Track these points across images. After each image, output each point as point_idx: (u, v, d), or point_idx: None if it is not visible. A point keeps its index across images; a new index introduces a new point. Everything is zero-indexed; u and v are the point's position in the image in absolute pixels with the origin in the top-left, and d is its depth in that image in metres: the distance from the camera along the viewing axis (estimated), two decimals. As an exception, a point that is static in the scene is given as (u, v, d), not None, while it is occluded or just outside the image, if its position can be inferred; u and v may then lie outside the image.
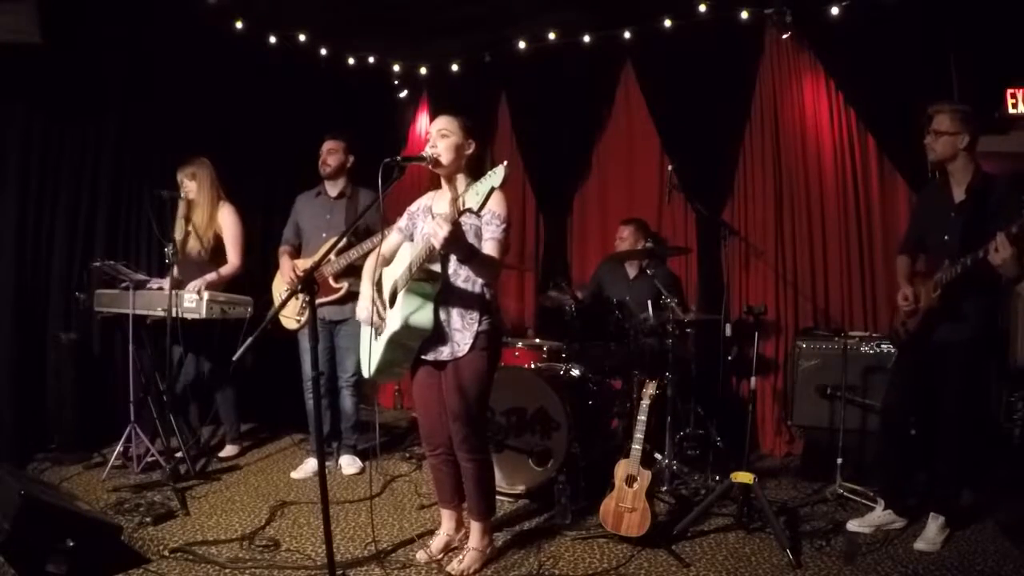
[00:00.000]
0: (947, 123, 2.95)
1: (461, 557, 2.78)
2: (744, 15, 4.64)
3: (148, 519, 3.16)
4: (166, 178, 4.18)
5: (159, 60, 4.60)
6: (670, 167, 4.57)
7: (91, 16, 4.25)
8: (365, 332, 2.82)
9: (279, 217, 4.47)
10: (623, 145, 5.32)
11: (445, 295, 2.67)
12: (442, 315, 2.67)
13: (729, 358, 4.43)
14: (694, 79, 4.86)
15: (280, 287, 4.07)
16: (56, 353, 4.16)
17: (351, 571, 2.76)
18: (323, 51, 5.42)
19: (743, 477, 3.13)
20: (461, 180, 2.73)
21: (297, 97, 5.37)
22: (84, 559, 2.57)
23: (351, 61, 5.65)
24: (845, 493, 3.52)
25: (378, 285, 2.77)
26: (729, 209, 4.90)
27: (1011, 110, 4.10)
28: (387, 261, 2.84)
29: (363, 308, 2.76)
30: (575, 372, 3.95)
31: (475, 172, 2.67)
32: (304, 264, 3.92)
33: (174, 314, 3.67)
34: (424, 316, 2.62)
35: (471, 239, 2.56)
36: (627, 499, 3.01)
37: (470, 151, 2.74)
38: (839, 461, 3.59)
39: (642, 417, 3.15)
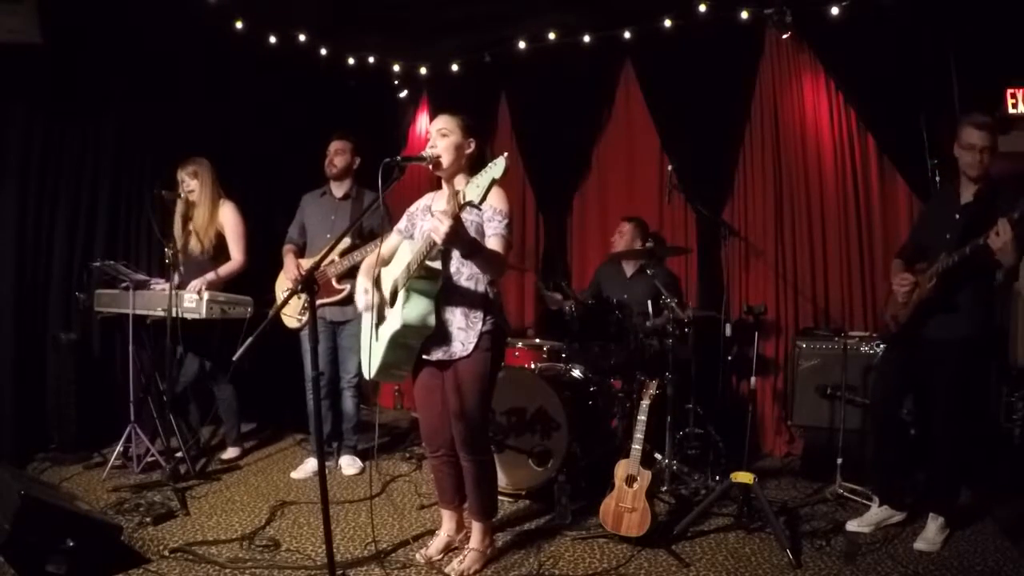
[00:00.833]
0: (993, 140, 2.93)
1: (462, 557, 2.78)
2: (744, 15, 4.64)
3: (148, 519, 3.16)
4: (166, 178, 4.18)
5: (159, 60, 4.60)
6: (670, 167, 4.57)
7: (91, 16, 4.25)
8: (366, 333, 2.81)
9: (279, 217, 4.48)
10: (623, 145, 5.32)
11: (448, 294, 2.65)
12: (445, 314, 2.65)
13: (729, 358, 4.43)
14: (694, 79, 4.86)
15: (283, 286, 4.07)
16: (56, 353, 4.16)
17: (351, 571, 2.76)
18: (323, 51, 5.42)
19: (743, 477, 3.13)
20: (461, 179, 2.71)
21: (297, 97, 5.38)
22: (84, 559, 2.57)
23: (351, 61, 5.65)
24: (845, 493, 3.52)
25: (376, 283, 2.76)
26: (729, 209, 4.90)
27: (1011, 110, 4.09)
28: (386, 262, 2.83)
29: (360, 297, 2.75)
30: (575, 372, 3.96)
31: (475, 171, 2.66)
32: (308, 264, 3.92)
33: (174, 314, 3.67)
34: (425, 314, 2.60)
35: (473, 235, 2.54)
36: (627, 499, 3.01)
37: (470, 150, 2.73)
38: (839, 461, 3.59)
39: (642, 417, 3.15)
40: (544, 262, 5.52)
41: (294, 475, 3.94)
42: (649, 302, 4.07)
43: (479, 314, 2.66)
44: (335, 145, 4.05)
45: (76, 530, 2.59)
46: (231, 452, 4.29)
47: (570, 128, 5.37)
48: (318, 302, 3.83)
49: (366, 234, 3.93)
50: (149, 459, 3.86)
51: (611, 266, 4.67)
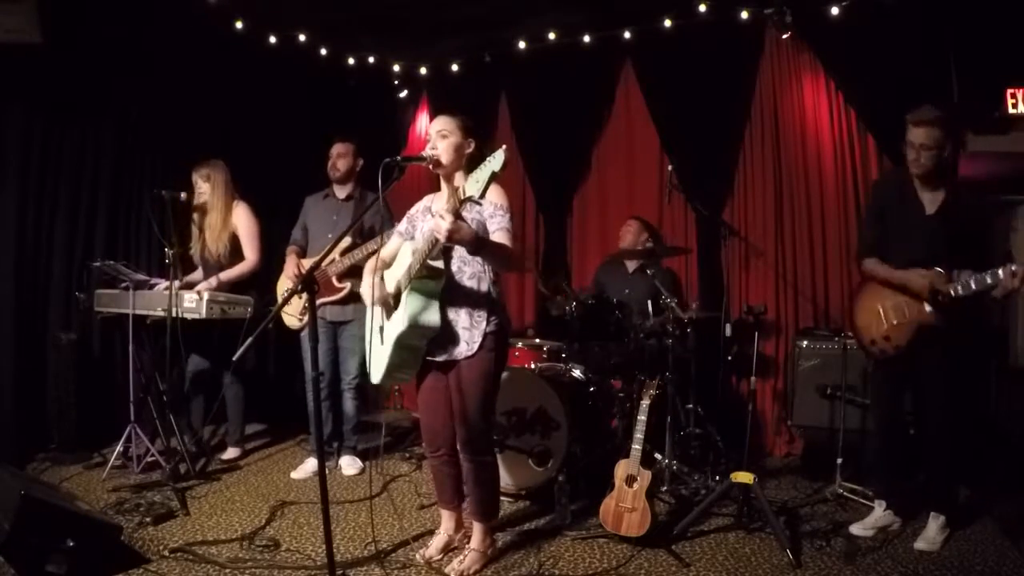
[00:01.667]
0: (936, 136, 2.89)
1: (462, 557, 2.78)
2: (744, 15, 4.64)
3: (148, 519, 3.16)
4: (166, 178, 4.18)
5: (159, 60, 4.60)
6: (670, 167, 4.58)
7: (91, 16, 4.25)
8: (372, 338, 2.81)
9: (280, 217, 4.48)
10: (623, 145, 5.32)
11: (451, 294, 2.65)
12: (449, 314, 2.65)
13: (729, 358, 4.44)
14: (694, 79, 4.86)
15: (284, 286, 4.08)
16: (56, 353, 4.16)
17: (351, 571, 2.76)
18: (323, 51, 5.42)
19: (743, 477, 3.12)
20: (460, 179, 2.72)
21: (297, 97, 5.38)
22: (84, 559, 2.57)
23: (351, 61, 5.65)
24: (845, 493, 3.52)
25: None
26: (729, 209, 4.90)
27: (1011, 110, 4.09)
28: (387, 265, 2.83)
29: (367, 291, 2.73)
30: (575, 372, 3.95)
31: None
32: (309, 264, 3.91)
33: (174, 314, 3.67)
34: (430, 314, 2.59)
35: None
36: (627, 499, 3.01)
37: (470, 151, 2.73)
38: (839, 461, 3.59)
39: (642, 417, 3.15)
40: (544, 262, 5.52)
41: (294, 475, 3.94)
42: (649, 302, 4.07)
43: (483, 313, 2.66)
44: (337, 148, 4.05)
45: (76, 530, 2.59)
46: (231, 452, 4.29)
47: (570, 128, 5.37)
48: (319, 301, 3.83)
49: (367, 233, 3.94)
50: (149, 459, 3.86)
51: (612, 264, 4.68)
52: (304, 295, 2.26)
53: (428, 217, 2.76)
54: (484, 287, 2.68)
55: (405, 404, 5.87)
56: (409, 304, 2.57)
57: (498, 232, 2.60)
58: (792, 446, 4.57)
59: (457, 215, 2.30)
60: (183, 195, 3.91)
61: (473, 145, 2.74)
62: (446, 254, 2.64)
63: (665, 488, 3.68)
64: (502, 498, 3.46)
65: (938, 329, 2.91)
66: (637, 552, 2.94)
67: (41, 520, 2.53)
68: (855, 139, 4.57)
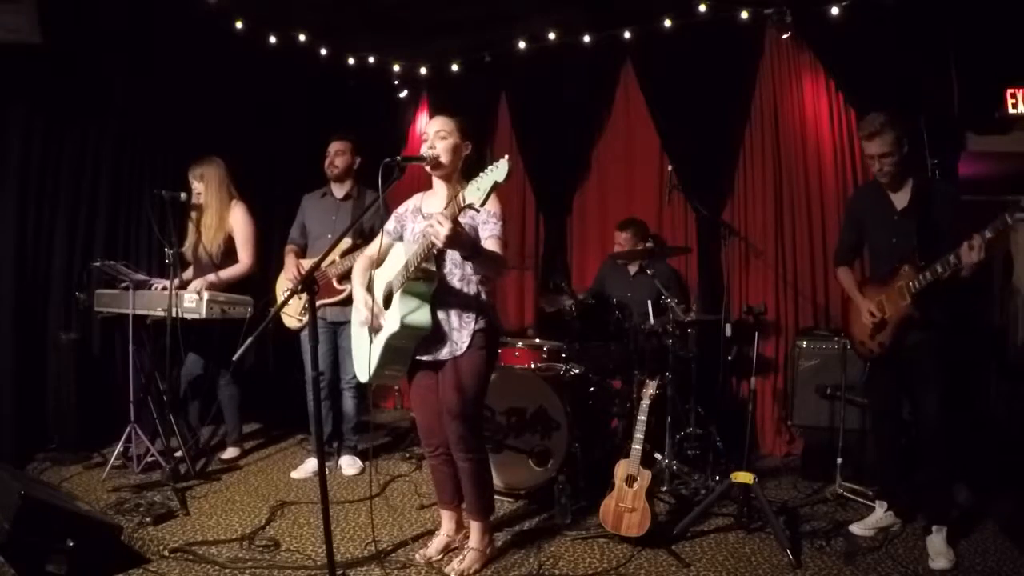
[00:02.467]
0: (890, 141, 2.92)
1: (461, 557, 2.78)
2: (744, 15, 4.64)
3: (148, 519, 3.16)
4: (166, 178, 4.17)
5: (159, 60, 4.60)
6: (670, 167, 4.58)
7: (91, 16, 4.25)
8: (359, 337, 2.81)
9: (279, 217, 4.48)
10: (623, 145, 5.32)
11: (442, 295, 2.66)
12: (440, 315, 2.66)
13: (729, 358, 4.43)
14: (694, 79, 4.86)
15: (283, 286, 4.07)
16: (56, 353, 4.16)
17: (351, 571, 2.76)
18: (323, 51, 5.42)
19: (743, 477, 3.12)
20: (457, 182, 2.72)
21: (297, 97, 5.38)
22: (84, 559, 2.57)
23: (351, 61, 5.65)
24: (845, 493, 3.52)
25: (368, 287, 2.75)
26: (729, 209, 4.90)
27: (1011, 110, 4.10)
28: (376, 264, 2.83)
29: (359, 311, 2.71)
30: (575, 372, 3.95)
31: (471, 174, 2.66)
32: (309, 264, 3.91)
33: (174, 314, 3.67)
34: (422, 316, 2.60)
35: None
36: (627, 499, 3.01)
37: (467, 152, 2.75)
38: (839, 461, 3.59)
39: (642, 417, 3.15)
40: (544, 262, 5.52)
41: (294, 475, 3.94)
42: (649, 302, 4.06)
43: (472, 314, 2.67)
44: (335, 146, 4.04)
45: (76, 530, 2.59)
46: (231, 452, 4.29)
47: (570, 128, 5.38)
48: (319, 303, 3.83)
49: (367, 234, 3.92)
50: (149, 459, 3.86)
51: (615, 266, 4.67)
52: (304, 295, 2.26)
53: (418, 218, 2.77)
54: (473, 289, 2.69)
55: (405, 404, 5.87)
56: (401, 305, 2.57)
57: (489, 239, 2.61)
58: (792, 446, 4.58)
59: (455, 222, 2.31)
60: (183, 195, 3.91)
61: (470, 147, 2.76)
62: (439, 257, 2.64)
63: (665, 488, 3.68)
64: (502, 498, 3.48)
65: (920, 322, 2.92)
66: (637, 552, 2.94)
67: (41, 520, 2.53)
68: (855, 139, 4.56)
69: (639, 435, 3.10)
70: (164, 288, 3.79)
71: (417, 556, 2.87)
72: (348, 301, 3.87)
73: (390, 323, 2.60)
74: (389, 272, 2.69)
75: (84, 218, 4.41)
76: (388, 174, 2.42)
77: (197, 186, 4.02)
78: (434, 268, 2.63)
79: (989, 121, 4.17)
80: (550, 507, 3.35)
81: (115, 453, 3.88)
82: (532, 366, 3.97)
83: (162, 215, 3.76)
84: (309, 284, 2.26)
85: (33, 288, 4.21)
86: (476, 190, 2.17)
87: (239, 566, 2.77)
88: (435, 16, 4.86)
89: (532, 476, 3.54)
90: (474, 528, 2.84)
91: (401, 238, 2.81)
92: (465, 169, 2.76)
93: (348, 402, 4.11)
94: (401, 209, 2.88)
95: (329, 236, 3.91)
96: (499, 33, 5.17)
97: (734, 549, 2.99)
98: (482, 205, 2.20)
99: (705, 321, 4.19)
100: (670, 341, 3.88)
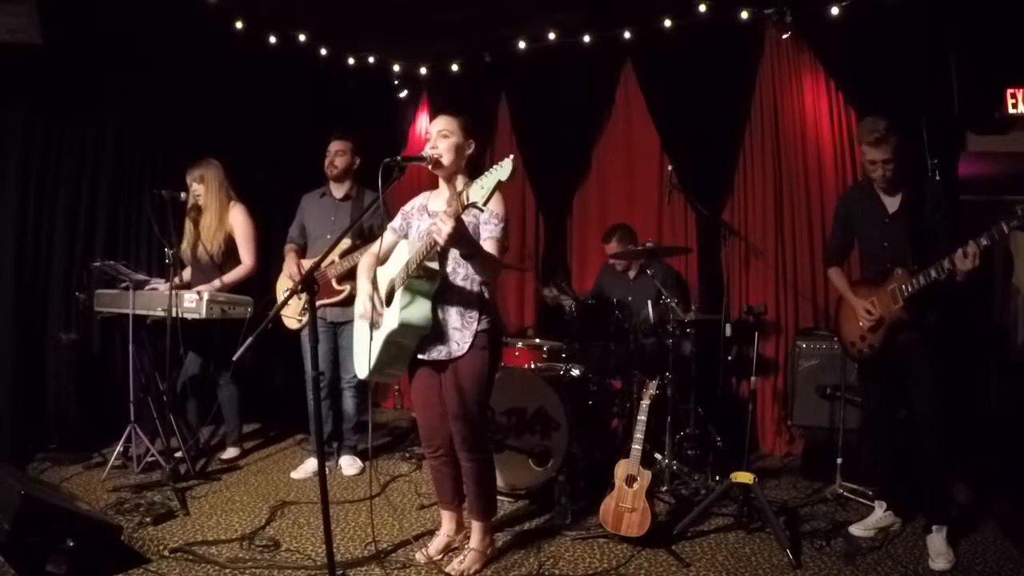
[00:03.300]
0: (892, 146, 2.92)
1: (462, 557, 2.78)
2: (744, 15, 4.64)
3: (148, 519, 3.16)
4: (166, 178, 4.17)
5: (159, 60, 4.60)
6: (670, 167, 4.57)
7: (91, 16, 4.25)
8: (360, 333, 2.80)
9: (278, 217, 4.48)
10: (623, 145, 5.32)
11: (444, 294, 2.65)
12: (441, 314, 2.65)
13: (729, 358, 4.43)
14: (694, 79, 4.86)
15: (284, 286, 4.07)
16: (56, 353, 4.16)
17: (351, 571, 2.76)
18: (323, 51, 5.42)
19: (743, 477, 3.13)
20: (460, 180, 2.72)
21: (297, 97, 5.37)
22: (84, 559, 2.57)
23: (351, 61, 5.65)
24: (845, 493, 3.53)
25: (373, 284, 2.76)
26: (729, 209, 4.90)
27: (1011, 110, 4.10)
28: (381, 261, 2.83)
29: (361, 304, 2.72)
30: (575, 372, 3.95)
31: (474, 172, 2.66)
32: (309, 264, 3.91)
33: (174, 314, 3.67)
34: (422, 314, 2.60)
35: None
36: (627, 499, 3.01)
37: (470, 151, 2.74)
38: (839, 461, 3.60)
39: (642, 417, 3.15)
40: (544, 262, 5.52)
41: (294, 475, 3.94)
42: (649, 303, 4.06)
43: (475, 313, 2.66)
44: (335, 145, 4.03)
45: (76, 530, 2.59)
46: (231, 452, 4.29)
47: (570, 128, 5.38)
48: (319, 303, 3.83)
49: (367, 234, 3.92)
50: (149, 459, 3.86)
51: (613, 272, 4.65)
52: (304, 295, 2.26)
53: (424, 216, 2.77)
54: (476, 288, 2.68)
55: (405, 404, 5.87)
56: (402, 303, 2.57)
57: (487, 241, 2.60)
58: (792, 446, 4.58)
59: (458, 220, 2.30)
60: (183, 195, 3.91)
61: (473, 146, 2.75)
62: (442, 255, 2.64)
63: (665, 488, 3.68)
64: (502, 498, 3.48)
65: (910, 324, 2.92)
66: (637, 552, 2.94)
67: (41, 520, 2.53)
68: (855, 139, 4.56)
69: (639, 435, 3.10)
70: (163, 288, 3.79)
71: (417, 556, 2.87)
72: (348, 301, 3.88)
73: (390, 320, 2.60)
74: (393, 269, 2.69)
75: (84, 218, 4.41)
76: (388, 174, 2.42)
77: (196, 188, 4.01)
78: (436, 266, 2.62)
79: (989, 121, 4.17)
80: (550, 507, 3.35)
81: (115, 453, 3.88)
82: (532, 366, 3.97)
83: (162, 215, 3.76)
84: (309, 284, 2.26)
85: (33, 288, 4.21)
86: (480, 188, 2.16)
87: (239, 566, 2.76)
88: (435, 16, 4.86)
89: (532, 476, 3.54)
90: (475, 528, 2.83)
91: (407, 236, 2.80)
92: (469, 168, 2.75)
93: (348, 402, 4.10)
94: (408, 207, 2.88)
95: (328, 236, 3.90)
96: (499, 33, 5.17)
97: (734, 549, 2.99)
98: (485, 204, 2.19)
99: (705, 321, 4.18)
100: (670, 341, 3.88)
